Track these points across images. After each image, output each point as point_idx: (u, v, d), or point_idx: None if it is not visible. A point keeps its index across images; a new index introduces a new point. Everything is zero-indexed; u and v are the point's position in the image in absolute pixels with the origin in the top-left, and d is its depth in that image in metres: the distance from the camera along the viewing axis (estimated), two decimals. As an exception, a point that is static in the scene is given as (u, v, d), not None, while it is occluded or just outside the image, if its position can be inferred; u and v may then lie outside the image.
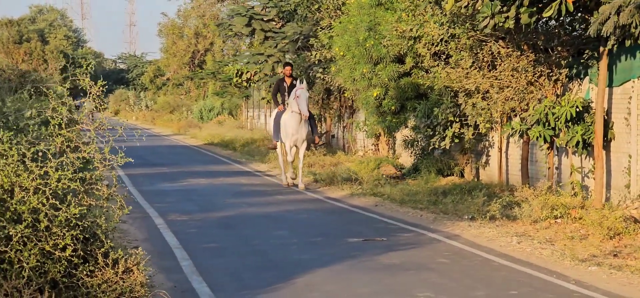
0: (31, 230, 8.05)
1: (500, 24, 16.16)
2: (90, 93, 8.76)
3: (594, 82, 16.99)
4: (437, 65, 21.25)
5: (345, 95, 29.77)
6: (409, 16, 23.10)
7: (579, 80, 17.73)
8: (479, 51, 18.92)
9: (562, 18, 17.22)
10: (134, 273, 8.51)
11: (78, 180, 8.26)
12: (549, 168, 18.17)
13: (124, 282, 8.43)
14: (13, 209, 8.04)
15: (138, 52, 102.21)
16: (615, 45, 15.08)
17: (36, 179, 8.11)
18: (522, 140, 19.04)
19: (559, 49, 17.95)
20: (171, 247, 13.34)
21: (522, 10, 15.86)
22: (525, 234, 14.52)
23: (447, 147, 21.60)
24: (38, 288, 8.11)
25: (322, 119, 34.28)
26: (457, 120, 21.05)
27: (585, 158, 17.27)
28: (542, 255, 12.89)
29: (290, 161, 23.00)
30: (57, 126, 8.61)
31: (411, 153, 24.10)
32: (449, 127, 21.27)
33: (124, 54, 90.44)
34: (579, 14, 17.28)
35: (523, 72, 18.17)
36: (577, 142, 16.73)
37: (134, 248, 8.84)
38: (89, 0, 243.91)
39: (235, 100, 54.82)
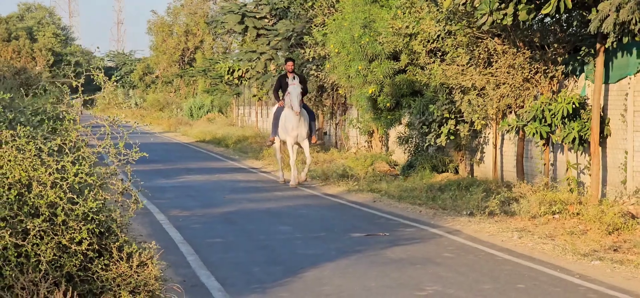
0: (48, 224, 8.09)
1: (499, 21, 16.22)
2: (104, 88, 8.80)
3: (590, 79, 17.10)
4: (433, 62, 21.36)
5: (340, 92, 29.85)
6: (405, 14, 23.18)
7: (574, 77, 17.84)
8: (475, 48, 19.00)
9: (559, 15, 17.31)
10: (148, 267, 8.55)
11: (95, 175, 8.31)
12: (544, 164, 18.26)
13: (138, 275, 8.46)
14: (31, 203, 8.08)
15: (126, 50, 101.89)
16: (615, 42, 15.18)
17: (53, 173, 8.16)
18: (517, 137, 19.14)
19: (555, 46, 18.05)
20: (176, 243, 13.40)
21: (520, 7, 15.91)
22: (525, 229, 14.62)
23: (443, 144, 21.67)
24: (54, 282, 8.15)
25: (315, 116, 34.31)
26: (453, 117, 21.13)
27: (581, 154, 17.37)
28: (544, 250, 13.00)
29: (293, 162, 22.61)
30: (72, 121, 8.66)
31: (405, 150, 24.18)
32: (445, 124, 21.35)
33: (112, 51, 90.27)
34: (577, 11, 17.35)
35: (519, 69, 18.25)
36: (574, 139, 16.82)
37: (147, 242, 8.88)
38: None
39: (225, 98, 54.84)
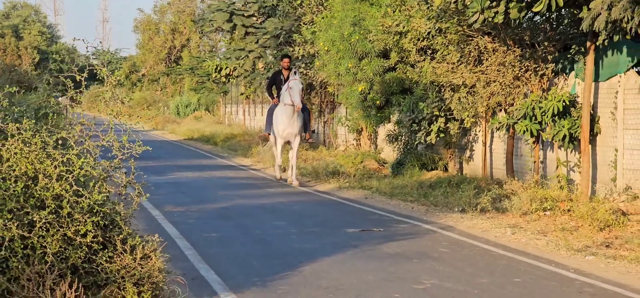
0: (54, 216, 8.17)
1: (490, 19, 16.31)
2: (108, 82, 8.89)
3: (580, 77, 17.22)
4: (423, 60, 21.46)
5: (329, 90, 29.93)
6: (395, 12, 23.27)
7: (564, 75, 17.96)
8: (465, 46, 19.11)
9: (550, 13, 17.44)
10: (151, 259, 8.64)
11: (100, 168, 8.40)
12: (534, 162, 18.39)
13: (142, 267, 8.55)
14: (37, 196, 8.16)
15: (111, 48, 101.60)
16: (606, 40, 15.31)
17: (59, 166, 8.24)
18: (507, 135, 19.25)
19: (546, 44, 18.18)
20: (173, 237, 13.46)
21: (511, 5, 16.00)
22: (517, 226, 14.76)
23: (433, 142, 21.77)
24: (59, 274, 8.22)
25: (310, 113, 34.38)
26: (442, 114, 21.22)
27: (571, 152, 17.50)
28: (538, 245, 13.13)
29: (279, 162, 22.53)
30: (76, 114, 8.74)
31: (395, 148, 24.27)
32: (435, 122, 21.44)
33: (97, 49, 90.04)
34: (568, 9, 17.48)
35: (509, 67, 18.37)
36: (564, 136, 16.94)
37: (149, 235, 8.96)
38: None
39: (212, 96, 54.85)
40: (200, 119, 52.72)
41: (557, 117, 17.09)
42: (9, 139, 8.28)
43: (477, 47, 18.89)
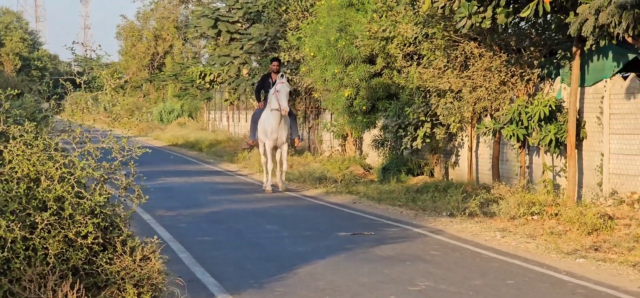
0: (56, 217, 8.22)
1: (477, 24, 16.44)
2: (107, 85, 8.96)
3: (566, 82, 17.36)
4: (410, 65, 21.57)
5: (314, 96, 30.00)
6: (381, 18, 23.38)
7: (550, 80, 18.11)
8: (452, 51, 19.24)
9: (537, 19, 17.59)
10: (151, 260, 8.70)
11: (102, 169, 8.47)
12: (520, 166, 18.52)
13: (141, 269, 8.60)
14: (39, 197, 8.21)
15: (93, 55, 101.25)
16: (594, 45, 15.46)
17: (61, 168, 8.30)
18: (493, 140, 19.37)
19: (531, 49, 18.32)
20: (166, 241, 13.50)
21: (498, 10, 16.14)
22: (506, 229, 14.88)
23: (419, 147, 21.84)
24: (61, 275, 8.27)
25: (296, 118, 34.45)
26: (428, 120, 21.30)
27: (557, 157, 17.65)
28: (528, 248, 13.26)
29: (270, 168, 21.73)
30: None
31: (380, 153, 24.35)
32: (421, 127, 21.52)
33: (79, 56, 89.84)
34: (554, 15, 17.62)
35: (496, 72, 18.50)
36: (550, 141, 17.08)
37: (148, 237, 9.03)
38: (44, 3, 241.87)
39: (196, 103, 54.88)
40: (183, 125, 52.74)
41: (543, 121, 17.21)
42: (11, 140, 8.34)
43: (463, 53, 19.02)
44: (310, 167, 25.83)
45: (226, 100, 44.50)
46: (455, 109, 19.61)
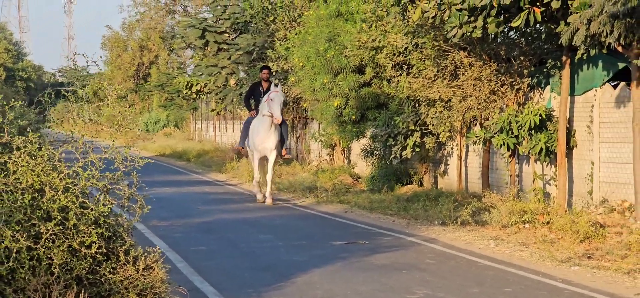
0: (60, 227, 8.27)
1: (468, 34, 16.51)
2: (110, 96, 9.02)
3: (556, 91, 17.48)
4: (399, 75, 21.65)
5: (304, 106, 30.05)
6: (371, 27, 23.46)
7: (539, 89, 18.22)
8: (441, 61, 19.32)
9: (528, 28, 17.69)
10: (154, 270, 8.75)
11: (106, 180, 8.53)
12: (510, 175, 18.62)
13: (144, 278, 8.65)
14: (44, 208, 8.25)
15: (78, 65, 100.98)
16: (585, 54, 15.56)
17: (65, 178, 8.35)
18: (483, 149, 19.46)
19: (521, 58, 18.42)
20: (163, 250, 13.51)
21: (489, 20, 16.21)
22: (498, 238, 14.96)
23: (409, 156, 21.89)
24: (65, 285, 8.31)
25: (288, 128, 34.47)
26: (418, 129, 21.36)
27: (547, 165, 17.75)
28: (522, 256, 13.35)
29: (257, 177, 21.48)
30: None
31: (369, 163, 24.39)
32: (410, 136, 21.57)
33: (64, 67, 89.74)
34: (545, 24, 17.72)
35: (486, 81, 18.58)
36: (540, 150, 17.17)
37: (151, 246, 9.08)
38: (27, 14, 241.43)
39: (182, 113, 54.87)
40: (170, 135, 52.73)
41: (533, 130, 17.30)
42: (15, 151, 8.38)
43: (453, 62, 19.11)
44: (300, 177, 25.91)
45: (213, 110, 44.54)
46: (445, 118, 19.69)
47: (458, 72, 19.16)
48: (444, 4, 16.43)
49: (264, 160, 21.50)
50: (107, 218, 8.47)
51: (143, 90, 64.88)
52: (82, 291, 8.28)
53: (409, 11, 19.55)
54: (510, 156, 18.44)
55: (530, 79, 18.28)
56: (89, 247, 8.37)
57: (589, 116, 16.66)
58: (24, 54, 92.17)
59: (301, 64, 26.89)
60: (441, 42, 18.85)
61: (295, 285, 11.00)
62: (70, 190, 8.33)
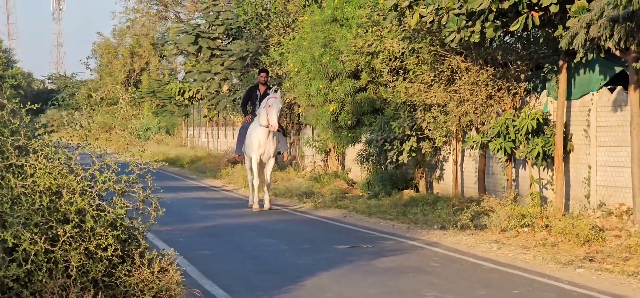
0: (77, 230, 8.33)
1: (466, 39, 16.55)
2: (122, 99, 9.09)
3: (553, 96, 17.55)
4: (396, 80, 21.69)
5: (299, 111, 30.06)
6: (367, 33, 23.49)
7: (536, 93, 18.30)
8: (438, 66, 19.38)
9: (526, 33, 17.79)
10: (169, 272, 8.82)
11: (123, 183, 8.60)
12: (507, 180, 18.69)
13: (160, 281, 8.72)
14: (62, 210, 8.31)
15: (67, 72, 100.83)
16: (584, 58, 15.63)
17: (82, 181, 8.41)
18: (479, 153, 19.53)
19: (518, 63, 18.50)
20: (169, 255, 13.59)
21: (487, 24, 16.28)
22: (498, 241, 15.05)
23: (405, 161, 21.88)
24: (82, 288, 8.37)
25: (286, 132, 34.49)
26: (414, 134, 21.39)
27: (544, 169, 17.82)
28: (526, 259, 13.44)
29: (256, 184, 20.89)
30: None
31: (365, 168, 24.42)
32: (406, 141, 21.60)
33: (53, 74, 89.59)
34: (543, 29, 17.79)
35: (482, 86, 18.63)
36: (538, 154, 17.24)
37: (165, 249, 9.15)
38: (16, 20, 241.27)
39: (173, 119, 54.83)
40: (162, 142, 52.68)
41: (530, 135, 17.38)
42: (32, 154, 8.43)
43: (449, 67, 19.16)
44: (295, 182, 25.96)
45: (205, 116, 44.55)
46: (441, 123, 19.74)
47: (455, 77, 19.21)
48: (441, 8, 16.49)
49: (261, 166, 21.07)
50: (123, 220, 8.53)
51: (135, 96, 64.75)
52: (99, 293, 8.34)
53: (406, 16, 19.62)
54: (507, 160, 18.51)
55: (526, 83, 18.34)
56: (105, 249, 8.44)
57: (586, 120, 16.75)
58: (14, 61, 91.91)
59: (296, 69, 26.89)
60: (438, 46, 18.91)
61: (305, 288, 11.06)
62: (87, 193, 8.39)
